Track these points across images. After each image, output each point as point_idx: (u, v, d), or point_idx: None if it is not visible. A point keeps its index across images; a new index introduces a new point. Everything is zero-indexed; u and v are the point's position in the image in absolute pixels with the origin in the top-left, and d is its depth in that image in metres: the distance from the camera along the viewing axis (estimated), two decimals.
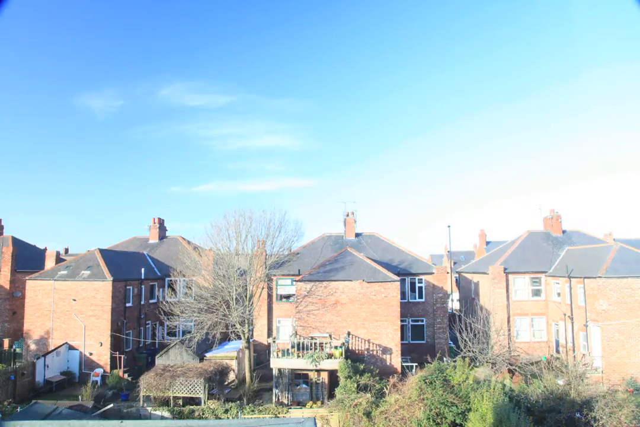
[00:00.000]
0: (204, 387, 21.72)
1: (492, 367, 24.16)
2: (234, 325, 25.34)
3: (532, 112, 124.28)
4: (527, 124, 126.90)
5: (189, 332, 28.92)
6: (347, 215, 35.15)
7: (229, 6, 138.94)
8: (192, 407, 20.69)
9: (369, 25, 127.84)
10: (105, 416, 19.45)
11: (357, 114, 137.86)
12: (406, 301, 30.33)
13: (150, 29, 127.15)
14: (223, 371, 24.27)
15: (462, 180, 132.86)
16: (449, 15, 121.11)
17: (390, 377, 20.30)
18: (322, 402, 21.72)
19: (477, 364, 24.18)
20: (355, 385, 19.86)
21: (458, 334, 25.61)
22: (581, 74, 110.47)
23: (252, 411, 19.90)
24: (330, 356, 22.00)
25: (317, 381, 22.59)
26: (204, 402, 21.44)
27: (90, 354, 27.13)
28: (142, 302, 31.25)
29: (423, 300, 30.77)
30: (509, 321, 30.68)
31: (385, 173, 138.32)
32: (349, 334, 24.33)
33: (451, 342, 30.68)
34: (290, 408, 20.88)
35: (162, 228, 38.68)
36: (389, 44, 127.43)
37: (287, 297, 30.73)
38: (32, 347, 27.60)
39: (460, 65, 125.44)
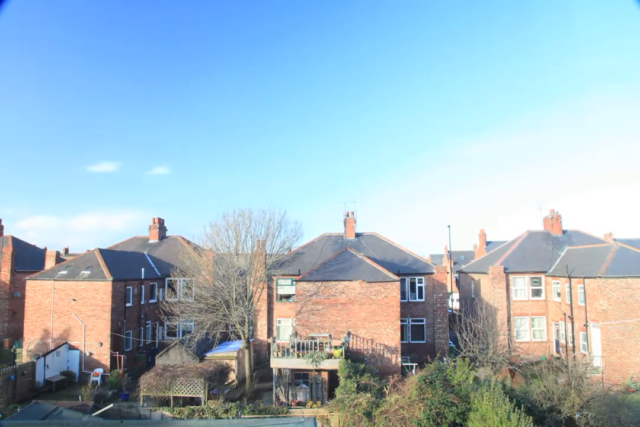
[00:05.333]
0: (204, 387, 21.70)
1: (492, 367, 24.13)
2: (234, 325, 25.33)
3: (537, 123, 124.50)
4: (530, 133, 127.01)
5: (189, 332, 28.91)
6: (347, 215, 35.14)
7: None
8: (192, 407, 20.65)
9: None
10: (105, 416, 19.41)
11: (364, 121, 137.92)
12: (406, 301, 30.31)
13: None
14: (223, 371, 24.24)
15: (465, 189, 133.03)
16: (454, 21, 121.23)
17: (390, 377, 20.26)
18: (322, 402, 21.69)
19: (477, 364, 24.16)
20: (355, 385, 19.83)
21: (458, 334, 25.60)
22: (586, 87, 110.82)
23: (252, 411, 19.86)
24: (330, 356, 21.98)
25: (317, 381, 22.58)
26: (204, 402, 21.42)
27: (90, 354, 27.11)
28: (142, 302, 31.23)
29: (423, 300, 30.76)
30: (509, 321, 30.67)
31: (387, 173, 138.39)
32: (349, 334, 24.31)
33: (451, 342, 30.67)
34: (290, 408, 20.84)
35: (162, 228, 38.67)
36: (387, 57, 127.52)
37: (287, 297, 30.72)
38: (32, 347, 27.57)
39: (467, 73, 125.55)
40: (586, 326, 26.01)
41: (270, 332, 30.58)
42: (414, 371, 24.32)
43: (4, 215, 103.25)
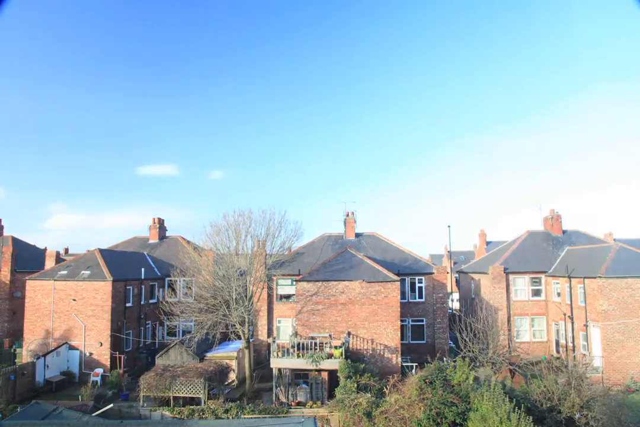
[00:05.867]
0: (204, 387, 21.70)
1: (492, 367, 24.13)
2: (234, 325, 25.32)
3: (537, 124, 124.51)
4: (530, 134, 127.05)
5: (189, 332, 28.90)
6: (347, 215, 35.13)
7: None
8: (192, 407, 20.66)
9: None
10: (105, 416, 19.41)
11: (368, 121, 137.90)
12: (406, 301, 30.31)
13: None
14: (223, 371, 24.24)
15: (466, 189, 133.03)
16: (454, 25, 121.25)
17: (390, 377, 20.26)
18: (322, 402, 21.69)
19: (477, 364, 24.15)
20: (355, 385, 19.84)
21: (458, 334, 25.59)
22: (586, 87, 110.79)
23: (252, 411, 19.87)
24: (330, 356, 21.98)
25: (317, 381, 22.58)
26: (204, 402, 21.42)
27: (90, 354, 27.11)
28: (142, 302, 31.22)
29: (423, 300, 30.75)
30: (509, 321, 30.67)
31: (386, 173, 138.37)
32: (349, 334, 24.31)
33: (451, 342, 30.66)
34: (291, 408, 20.85)
35: (162, 228, 38.65)
36: (382, 60, 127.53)
37: (287, 297, 30.72)
38: (32, 347, 27.57)
39: (468, 74, 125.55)
40: (586, 326, 26.01)
41: (270, 332, 30.57)
42: (414, 371, 24.32)
43: (57, 209, 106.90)
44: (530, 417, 14.67)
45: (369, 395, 18.78)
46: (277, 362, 22.45)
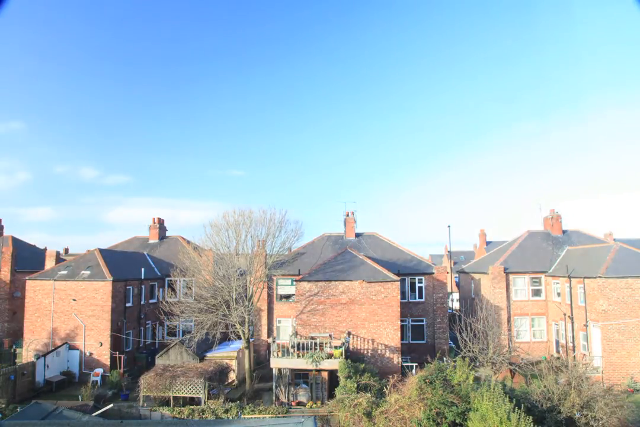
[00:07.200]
0: (204, 387, 21.70)
1: (492, 367, 24.11)
2: (234, 325, 25.32)
3: (537, 130, 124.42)
4: (531, 139, 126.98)
5: (189, 332, 28.88)
6: (347, 215, 35.12)
7: None
8: (192, 407, 20.66)
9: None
10: (105, 416, 19.41)
11: (371, 125, 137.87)
12: (406, 301, 30.30)
13: None
14: (223, 371, 24.24)
15: (467, 190, 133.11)
16: (456, 29, 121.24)
17: (390, 377, 20.25)
18: (322, 402, 21.69)
19: (477, 364, 24.14)
20: (356, 385, 19.82)
21: (458, 334, 25.57)
22: (587, 92, 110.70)
23: (252, 411, 19.88)
24: (330, 356, 21.97)
25: (317, 381, 22.57)
26: (204, 402, 21.42)
27: (90, 354, 27.10)
28: (142, 302, 31.21)
29: (423, 300, 30.74)
30: (509, 321, 30.66)
31: (387, 174, 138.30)
32: (349, 334, 24.31)
33: (451, 342, 30.65)
34: (291, 408, 20.86)
35: (162, 228, 38.65)
36: (381, 67, 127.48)
37: (287, 297, 30.71)
38: (32, 347, 27.56)
39: (467, 80, 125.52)
40: (586, 325, 26.00)
41: (270, 332, 30.56)
42: (414, 371, 24.30)
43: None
44: (530, 417, 14.63)
45: (369, 395, 18.76)
46: (277, 362, 22.44)
